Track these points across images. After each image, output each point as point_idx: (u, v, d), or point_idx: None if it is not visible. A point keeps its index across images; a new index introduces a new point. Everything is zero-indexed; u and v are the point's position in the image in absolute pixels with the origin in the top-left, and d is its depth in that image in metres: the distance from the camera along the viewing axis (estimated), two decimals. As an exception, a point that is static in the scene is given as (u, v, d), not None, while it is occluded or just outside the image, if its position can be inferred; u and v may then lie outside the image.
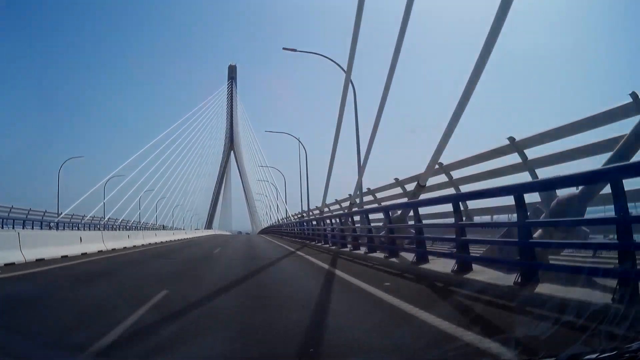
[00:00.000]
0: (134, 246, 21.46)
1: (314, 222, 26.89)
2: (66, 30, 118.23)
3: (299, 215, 35.56)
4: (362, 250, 14.33)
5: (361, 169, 18.38)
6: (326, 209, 26.72)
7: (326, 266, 11.00)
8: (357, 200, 20.42)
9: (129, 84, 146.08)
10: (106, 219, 59.91)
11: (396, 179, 18.38)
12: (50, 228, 44.38)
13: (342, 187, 65.53)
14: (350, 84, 19.26)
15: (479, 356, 3.25)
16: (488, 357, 3.18)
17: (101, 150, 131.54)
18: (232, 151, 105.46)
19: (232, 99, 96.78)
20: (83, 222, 54.62)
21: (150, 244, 24.60)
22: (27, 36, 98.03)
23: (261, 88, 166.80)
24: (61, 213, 50.59)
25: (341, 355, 3.48)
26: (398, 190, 18.79)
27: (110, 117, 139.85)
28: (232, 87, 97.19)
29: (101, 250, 17.47)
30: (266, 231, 69.76)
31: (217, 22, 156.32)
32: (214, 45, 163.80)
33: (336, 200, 26.70)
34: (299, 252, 17.31)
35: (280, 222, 50.83)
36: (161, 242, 27.77)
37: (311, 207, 34.54)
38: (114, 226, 61.22)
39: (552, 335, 3.41)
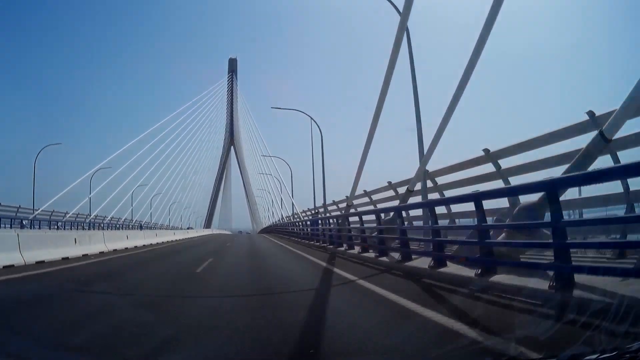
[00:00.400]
0: (84, 256, 14.18)
1: (336, 221, 19.86)
2: (55, 14, 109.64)
3: (313, 212, 28.34)
4: (457, 268, 7.50)
5: (432, 144, 11.21)
6: (352, 203, 19.64)
7: (460, 326, 3.94)
8: (417, 187, 13.26)
9: (120, 70, 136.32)
10: (92, 216, 52.82)
11: (486, 150, 11.27)
12: (22, 226, 37.50)
13: (344, 187, 58.30)
14: (405, 34, 12.22)
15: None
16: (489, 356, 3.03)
17: (89, 141, 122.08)
18: (232, 147, 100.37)
19: (232, 93, 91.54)
20: (65, 219, 47.52)
21: (114, 250, 17.35)
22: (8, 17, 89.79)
23: (268, 65, 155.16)
24: (38, 209, 43.60)
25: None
26: (481, 169, 11.87)
27: (99, 105, 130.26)
28: (232, 81, 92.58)
29: (12, 266, 10.34)
30: (268, 230, 62.91)
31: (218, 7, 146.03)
32: (214, 30, 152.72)
33: (365, 191, 19.57)
34: (338, 271, 10.09)
35: (286, 220, 43.69)
36: (134, 247, 20.42)
37: (320, 203, 27.57)
38: (101, 225, 54.22)
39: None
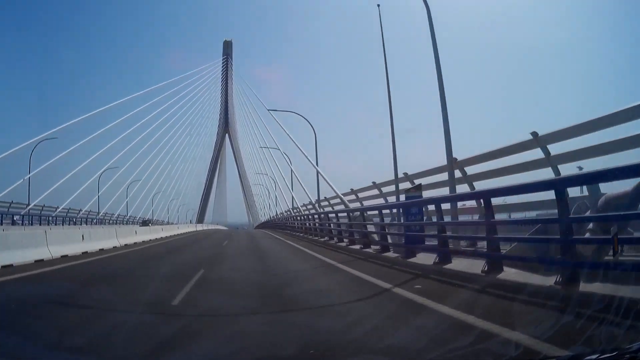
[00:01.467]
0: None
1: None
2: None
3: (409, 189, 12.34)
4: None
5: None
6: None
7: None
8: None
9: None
10: (31, 206, 36.65)
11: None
12: None
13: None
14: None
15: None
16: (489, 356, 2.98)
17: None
18: (227, 134, 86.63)
19: (227, 77, 77.97)
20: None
21: None
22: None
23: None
24: None
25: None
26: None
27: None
28: (227, 65, 77.54)
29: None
30: (269, 225, 48.47)
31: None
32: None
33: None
34: None
35: (304, 211, 28.06)
36: None
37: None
38: (51, 219, 38.22)
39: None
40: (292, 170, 30.00)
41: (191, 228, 40.98)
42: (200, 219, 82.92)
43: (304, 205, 29.09)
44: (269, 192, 50.90)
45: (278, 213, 42.19)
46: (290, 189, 31.29)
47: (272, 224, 47.44)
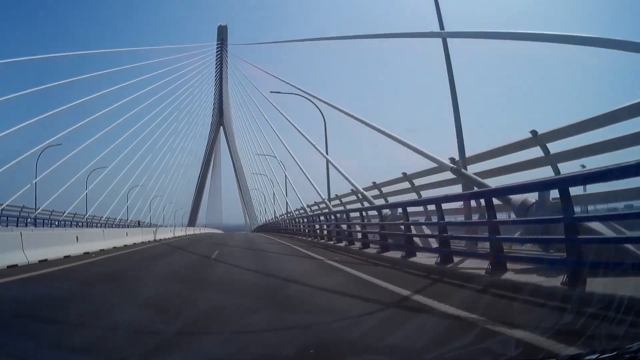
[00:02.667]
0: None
1: None
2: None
3: None
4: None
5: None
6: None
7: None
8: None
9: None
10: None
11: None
12: None
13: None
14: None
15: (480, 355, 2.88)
16: (489, 356, 2.87)
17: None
18: (221, 127, 76.16)
19: (221, 65, 67.57)
20: None
21: None
22: None
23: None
24: None
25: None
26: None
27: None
28: (222, 51, 66.81)
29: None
30: (272, 228, 37.70)
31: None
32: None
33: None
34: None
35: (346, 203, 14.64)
36: None
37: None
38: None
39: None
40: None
41: (143, 236, 21.20)
42: (192, 221, 71.18)
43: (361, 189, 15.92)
44: (273, 184, 37.43)
45: (292, 210, 28.23)
46: (326, 153, 17.43)
47: (274, 227, 36.42)
